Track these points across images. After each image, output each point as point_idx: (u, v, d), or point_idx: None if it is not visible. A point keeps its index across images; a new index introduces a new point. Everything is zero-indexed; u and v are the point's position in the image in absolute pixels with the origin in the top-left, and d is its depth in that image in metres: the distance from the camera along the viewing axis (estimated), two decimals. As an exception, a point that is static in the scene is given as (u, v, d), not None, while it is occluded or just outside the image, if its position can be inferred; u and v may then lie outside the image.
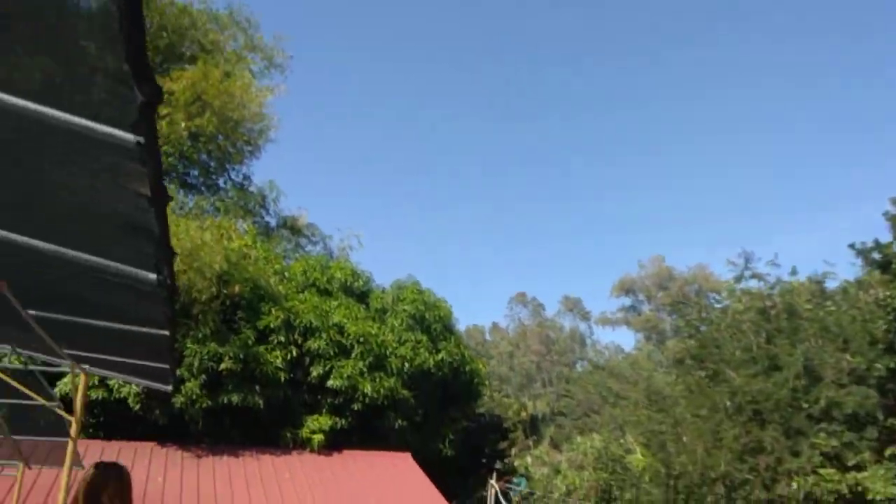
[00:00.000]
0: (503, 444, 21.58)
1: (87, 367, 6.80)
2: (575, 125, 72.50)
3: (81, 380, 6.87)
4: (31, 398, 7.85)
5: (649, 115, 70.52)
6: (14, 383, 7.10)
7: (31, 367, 6.90)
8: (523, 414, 26.86)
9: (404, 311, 18.19)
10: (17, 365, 7.21)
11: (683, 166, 70.36)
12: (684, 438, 17.59)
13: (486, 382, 19.76)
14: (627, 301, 68.54)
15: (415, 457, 16.45)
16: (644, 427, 28.68)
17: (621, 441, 32.54)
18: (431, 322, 18.38)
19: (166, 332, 4.52)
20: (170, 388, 7.08)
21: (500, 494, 12.93)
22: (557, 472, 26.16)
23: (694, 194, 71.99)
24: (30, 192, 2.60)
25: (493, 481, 12.93)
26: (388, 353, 16.93)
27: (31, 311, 4.17)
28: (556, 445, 38.45)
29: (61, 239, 2.79)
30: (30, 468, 10.01)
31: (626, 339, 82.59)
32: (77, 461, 9.95)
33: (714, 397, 16.76)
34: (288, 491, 13.29)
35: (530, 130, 73.48)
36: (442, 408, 18.74)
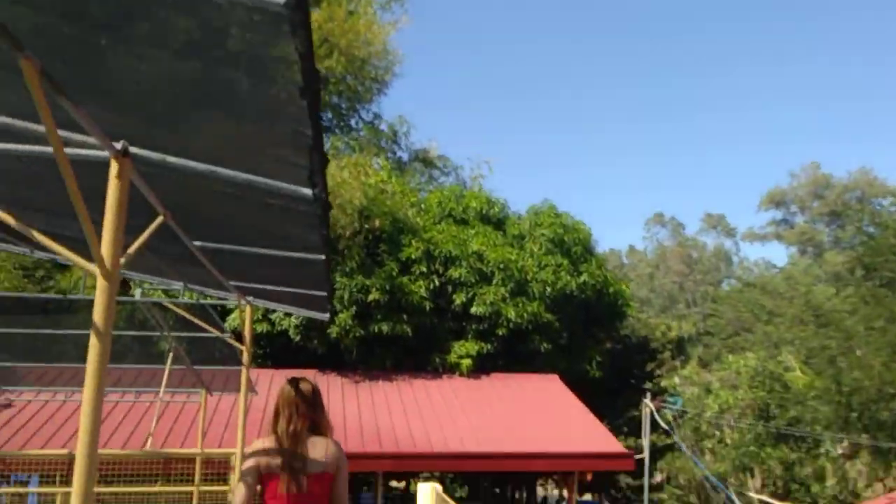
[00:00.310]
0: (651, 366, 21.06)
1: (251, 298, 7.22)
2: (715, 36, 66.76)
3: (247, 311, 7.32)
4: (206, 331, 8.53)
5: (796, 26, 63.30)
6: (190, 317, 7.71)
7: (203, 301, 7.41)
8: (671, 334, 26.01)
9: (542, 235, 17.90)
10: (190, 300, 7.76)
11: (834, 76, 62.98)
12: (857, 353, 16.23)
13: (631, 303, 19.20)
14: (778, 214, 63.77)
15: (562, 379, 16.43)
16: (805, 344, 26.83)
17: (779, 359, 30.81)
18: (571, 245, 17.98)
19: (322, 256, 4.57)
20: (327, 315, 7.35)
21: (655, 413, 12.65)
22: (708, 391, 25.29)
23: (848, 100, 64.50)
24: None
25: (647, 400, 12.65)
26: (528, 278, 16.83)
27: (197, 243, 4.35)
28: (704, 365, 37.16)
29: (216, 157, 2.78)
30: (211, 395, 11.03)
31: (777, 255, 77.22)
32: (251, 387, 10.78)
33: (892, 307, 15.23)
34: (442, 413, 13.78)
35: (663, 45, 68.63)
36: (587, 330, 18.50)
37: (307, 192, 2.86)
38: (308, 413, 3.19)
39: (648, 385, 21.95)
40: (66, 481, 8.59)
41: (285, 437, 3.11)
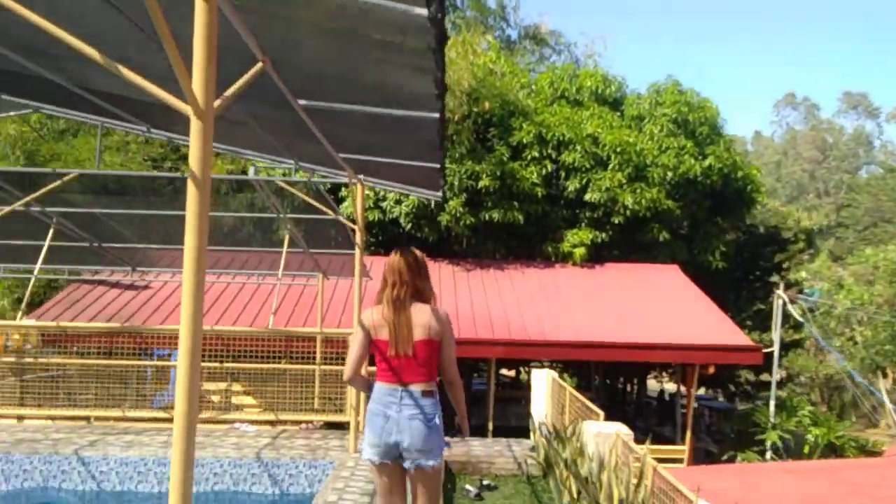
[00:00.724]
0: (780, 257, 19.62)
1: (362, 177, 6.97)
2: None
3: (358, 191, 7.10)
4: (321, 213, 8.48)
5: None
6: (304, 195, 7.61)
7: (315, 179, 7.23)
8: (804, 223, 24.06)
9: (664, 115, 16.53)
10: (303, 178, 7.61)
11: None
12: None
13: (762, 189, 17.66)
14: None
15: (682, 270, 15.60)
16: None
17: (925, 252, 28.03)
18: (696, 125, 16.53)
19: (434, 114, 4.12)
20: (440, 194, 7.01)
21: (788, 305, 11.76)
22: (840, 287, 23.51)
23: None
24: None
25: (780, 291, 11.74)
26: (648, 162, 15.74)
27: (302, 102, 4.01)
28: (835, 259, 34.57)
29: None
30: (327, 279, 11.22)
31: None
32: (364, 271, 10.84)
33: None
34: (555, 302, 13.48)
35: None
36: (711, 219, 17.31)
37: (421, 12, 2.37)
38: (411, 280, 3.26)
39: (776, 278, 20.59)
40: (205, 356, 9.12)
41: (390, 303, 3.22)
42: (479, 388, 20.56)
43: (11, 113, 7.95)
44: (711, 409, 19.72)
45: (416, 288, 3.30)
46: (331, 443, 7.22)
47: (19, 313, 11.07)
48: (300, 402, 8.34)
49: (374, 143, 5.27)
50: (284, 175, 10.92)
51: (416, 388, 3.19)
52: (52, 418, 8.64)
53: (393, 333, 3.20)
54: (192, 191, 2.26)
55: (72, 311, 12.34)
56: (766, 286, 19.75)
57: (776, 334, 11.61)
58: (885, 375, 29.75)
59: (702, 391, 22.47)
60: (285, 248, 9.40)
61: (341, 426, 7.80)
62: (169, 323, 11.81)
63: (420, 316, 3.22)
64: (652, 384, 24.65)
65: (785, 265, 20.03)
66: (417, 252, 3.46)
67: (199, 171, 2.26)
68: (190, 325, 2.23)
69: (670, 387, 25.48)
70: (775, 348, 11.47)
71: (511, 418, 14.60)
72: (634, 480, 4.49)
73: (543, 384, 8.98)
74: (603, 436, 5.14)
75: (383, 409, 3.19)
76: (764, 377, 19.58)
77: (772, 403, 11.59)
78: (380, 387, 3.25)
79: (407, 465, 3.18)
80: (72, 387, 9.04)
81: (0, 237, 9.62)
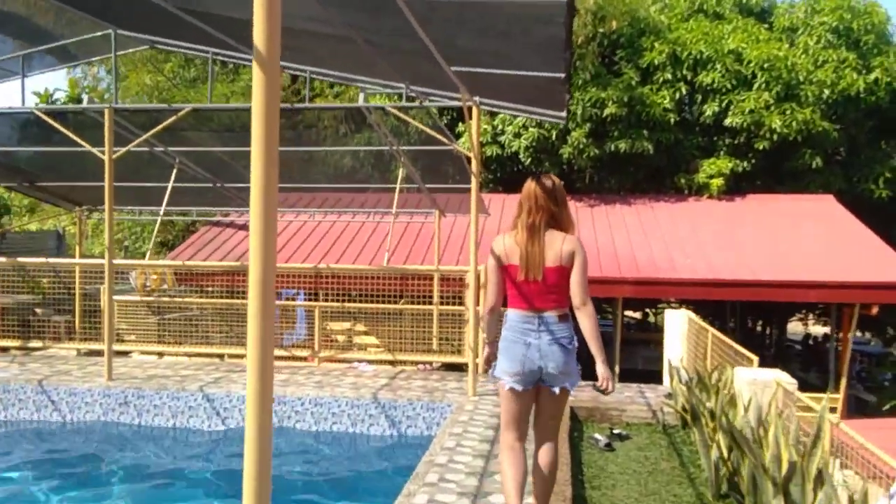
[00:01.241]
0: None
1: (478, 99, 6.36)
2: None
3: (475, 114, 6.49)
4: (439, 144, 8.00)
5: None
6: (417, 123, 7.12)
7: (428, 104, 6.70)
8: None
9: (822, 24, 14.45)
10: (414, 104, 7.10)
11: None
12: None
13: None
14: None
15: (839, 201, 13.84)
16: None
17: None
18: (860, 34, 14.34)
19: (561, 19, 3.42)
20: (564, 115, 6.26)
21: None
22: None
23: None
24: None
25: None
26: (801, 79, 13.88)
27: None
28: None
29: None
30: (444, 216, 10.81)
31: None
32: (482, 208, 10.31)
33: None
34: (688, 238, 12.36)
35: None
36: (874, 142, 15.18)
37: None
38: (547, 206, 3.20)
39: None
40: (327, 297, 9.05)
41: (523, 229, 3.18)
42: (605, 329, 19.81)
43: (130, 50, 7.95)
44: (863, 354, 17.83)
45: (552, 214, 3.23)
46: (449, 385, 6.89)
47: (149, 253, 11.56)
48: (418, 342, 8.08)
49: (489, 49, 4.62)
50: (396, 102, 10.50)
51: (551, 314, 3.16)
52: (189, 355, 8.95)
53: (524, 259, 3.16)
54: (258, 76, 1.77)
55: (203, 252, 12.81)
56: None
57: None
58: None
59: (854, 334, 20.36)
60: (398, 185, 9.01)
61: (459, 367, 7.45)
62: (293, 262, 11.97)
63: (553, 242, 3.18)
64: (793, 327, 22.72)
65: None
66: (555, 179, 3.35)
67: (265, 48, 1.76)
68: (261, 235, 1.78)
69: (815, 329, 23.40)
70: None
71: (639, 361, 13.81)
72: (805, 439, 3.74)
73: (679, 326, 8.16)
74: (760, 384, 4.38)
75: (521, 336, 3.17)
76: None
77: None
78: (514, 314, 3.22)
79: (554, 388, 3.19)
80: (205, 325, 9.31)
81: (130, 179, 9.93)
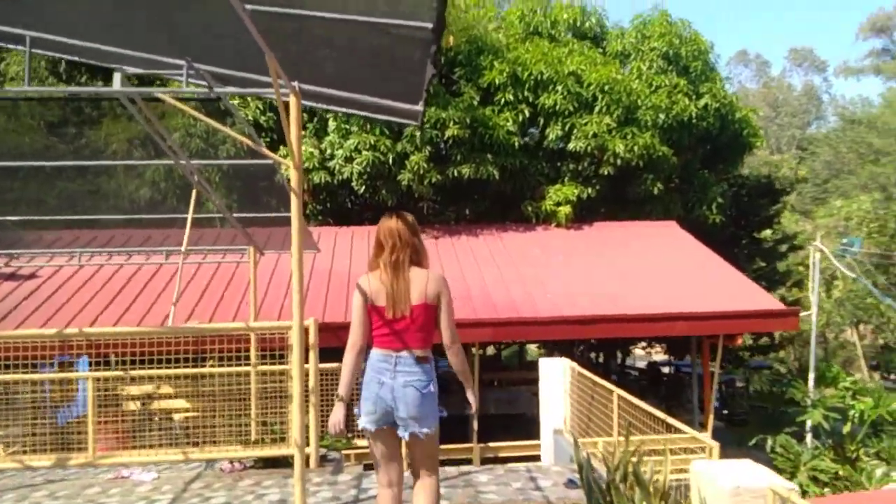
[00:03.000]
0: (773, 209, 17.84)
1: (298, 85, 4.43)
2: None
3: (293, 105, 4.54)
4: (258, 158, 5.93)
5: None
6: (203, 118, 4.98)
7: (223, 90, 4.60)
8: (801, 172, 22.43)
9: (653, 50, 14.32)
10: (202, 95, 5.04)
11: None
12: None
13: (759, 132, 15.71)
14: (878, 43, 57.17)
15: (679, 226, 13.58)
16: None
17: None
18: (688, 60, 14.40)
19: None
20: (420, 109, 4.53)
21: (832, 259, 9.79)
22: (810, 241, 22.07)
23: None
24: None
25: (817, 243, 9.77)
26: (638, 102, 13.53)
27: None
28: (802, 213, 33.45)
29: None
30: (262, 254, 8.65)
31: (873, 91, 69.67)
32: (310, 244, 8.32)
33: None
34: (542, 270, 11.24)
35: None
36: (705, 167, 15.30)
37: None
38: (410, 241, 3.15)
39: (768, 233, 18.89)
40: (120, 363, 6.49)
41: (388, 267, 3.10)
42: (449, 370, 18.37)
43: None
44: (689, 376, 18.04)
45: (415, 250, 3.17)
46: (267, 496, 4.79)
47: None
48: (226, 428, 5.87)
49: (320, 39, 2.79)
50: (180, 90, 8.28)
51: (411, 355, 3.07)
52: None
53: (391, 297, 3.06)
54: None
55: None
56: (756, 243, 18.01)
57: (814, 295, 9.64)
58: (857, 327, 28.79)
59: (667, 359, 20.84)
60: (191, 214, 6.74)
61: (283, 463, 5.35)
62: (61, 318, 9.10)
63: (418, 279, 3.09)
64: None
65: (777, 219, 18.29)
66: (410, 216, 3.30)
67: None
68: None
69: (658, 357, 23.81)
70: (813, 311, 9.52)
71: (490, 405, 12.44)
72: None
73: (558, 379, 6.71)
74: (746, 494, 2.88)
75: (377, 375, 3.08)
76: (764, 341, 17.91)
77: (811, 376, 9.66)
78: (375, 353, 3.12)
79: (401, 432, 3.09)
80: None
81: None
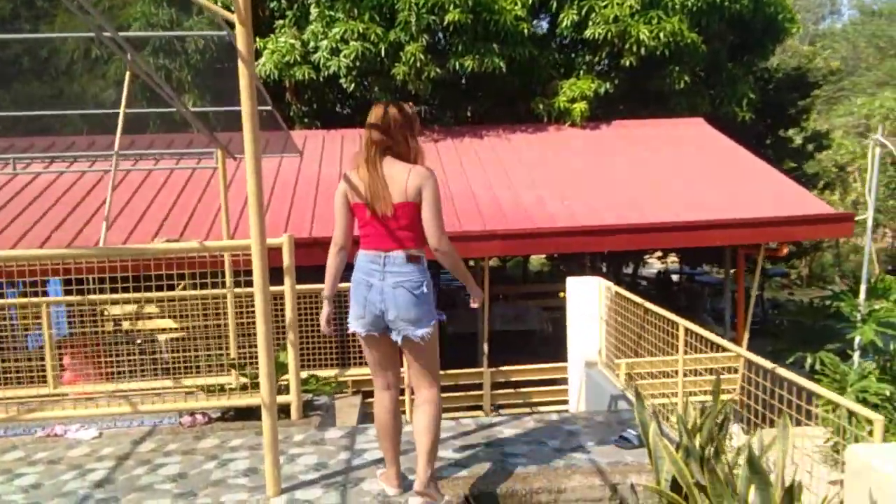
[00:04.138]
0: (802, 104, 16.31)
1: None
2: None
3: None
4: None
5: None
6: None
7: None
8: (833, 63, 20.69)
9: (682, -82, 12.40)
10: None
11: None
12: None
13: (796, 16, 13.98)
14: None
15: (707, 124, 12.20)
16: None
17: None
18: (722, -69, 12.51)
19: None
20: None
21: (876, 158, 8.55)
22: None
23: None
24: None
25: (877, 136, 8.50)
26: (666, -19, 11.81)
27: None
28: (817, 112, 31.73)
29: None
30: (234, 158, 7.34)
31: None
32: (292, 147, 7.02)
33: None
34: (560, 177, 9.97)
35: None
36: (736, 58, 13.70)
37: None
38: (381, 138, 2.93)
39: (796, 131, 17.44)
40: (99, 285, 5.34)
41: (364, 163, 2.96)
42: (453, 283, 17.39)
43: None
44: (704, 285, 17.12)
45: (390, 144, 2.93)
46: (234, 462, 3.74)
47: None
48: (187, 368, 4.80)
49: None
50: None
51: (399, 254, 2.91)
52: None
53: (369, 196, 2.90)
54: None
55: None
56: (783, 141, 16.59)
57: (871, 195, 8.43)
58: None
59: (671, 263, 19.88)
60: (122, 108, 5.35)
61: (258, 414, 4.31)
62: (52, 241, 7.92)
63: (399, 176, 2.88)
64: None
65: (804, 116, 16.79)
66: (400, 105, 2.99)
67: None
68: None
69: (656, 264, 22.85)
70: (869, 213, 8.33)
71: (496, 321, 11.52)
72: None
73: (590, 302, 5.59)
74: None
75: (366, 277, 2.96)
76: (790, 248, 16.84)
77: (863, 287, 8.58)
78: (362, 254, 3.00)
79: (394, 336, 2.96)
80: None
81: None
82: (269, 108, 5.52)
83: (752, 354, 3.65)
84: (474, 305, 3.15)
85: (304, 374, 7.13)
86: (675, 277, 19.21)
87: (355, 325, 3.02)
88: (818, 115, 30.88)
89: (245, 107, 3.08)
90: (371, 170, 2.92)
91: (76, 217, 8.41)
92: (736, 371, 8.64)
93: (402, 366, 3.44)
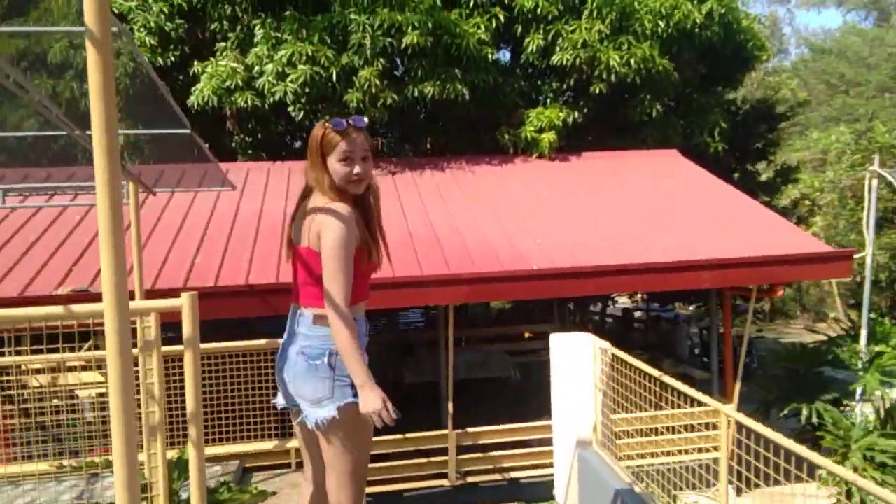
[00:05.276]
0: (770, 136, 15.93)
1: None
2: None
3: None
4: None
5: None
6: None
7: None
8: (801, 94, 20.53)
9: (649, -58, 11.90)
10: None
11: None
12: None
13: (766, 44, 13.58)
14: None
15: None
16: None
17: (871, 133, 25.87)
18: (691, -44, 12.04)
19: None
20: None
21: (874, 189, 7.89)
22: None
23: None
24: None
25: (874, 167, 7.85)
26: (635, 5, 11.21)
27: None
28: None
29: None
30: (153, 193, 6.20)
31: (833, 23, 68.56)
32: (220, 179, 5.96)
33: None
34: (524, 208, 9.09)
35: None
36: (705, 86, 13.18)
37: None
38: (308, 165, 2.50)
39: (762, 164, 17.06)
40: None
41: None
42: (413, 323, 16.29)
43: None
44: (678, 322, 16.39)
45: (311, 174, 2.47)
46: None
47: None
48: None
49: None
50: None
51: (306, 312, 2.42)
52: None
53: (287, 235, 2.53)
54: None
55: None
56: (752, 176, 16.16)
57: (869, 230, 7.76)
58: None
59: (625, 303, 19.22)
60: None
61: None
62: None
63: (308, 214, 2.41)
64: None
65: (771, 149, 16.42)
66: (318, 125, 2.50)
67: None
68: None
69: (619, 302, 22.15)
70: (868, 250, 7.64)
71: (461, 369, 10.50)
72: None
73: (581, 365, 4.60)
74: None
75: (286, 337, 2.50)
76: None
77: (863, 332, 7.84)
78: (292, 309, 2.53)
79: (297, 416, 2.45)
80: None
81: None
82: (187, 130, 4.46)
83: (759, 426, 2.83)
84: (373, 422, 2.21)
85: (231, 449, 5.96)
86: (637, 314, 18.50)
87: (277, 395, 2.60)
88: (776, 148, 31.11)
89: (96, 123, 2.02)
90: (298, 205, 2.55)
91: (-33, 263, 7.11)
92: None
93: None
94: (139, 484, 2.23)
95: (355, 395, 2.26)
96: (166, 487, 2.81)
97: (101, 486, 4.99)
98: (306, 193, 2.52)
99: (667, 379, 3.79)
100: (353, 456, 2.38)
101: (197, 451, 3.14)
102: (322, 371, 2.35)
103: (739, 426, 3.43)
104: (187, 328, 3.25)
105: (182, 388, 3.47)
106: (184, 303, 3.18)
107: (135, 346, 4.36)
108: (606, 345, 4.45)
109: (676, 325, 15.88)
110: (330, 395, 2.34)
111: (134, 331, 4.34)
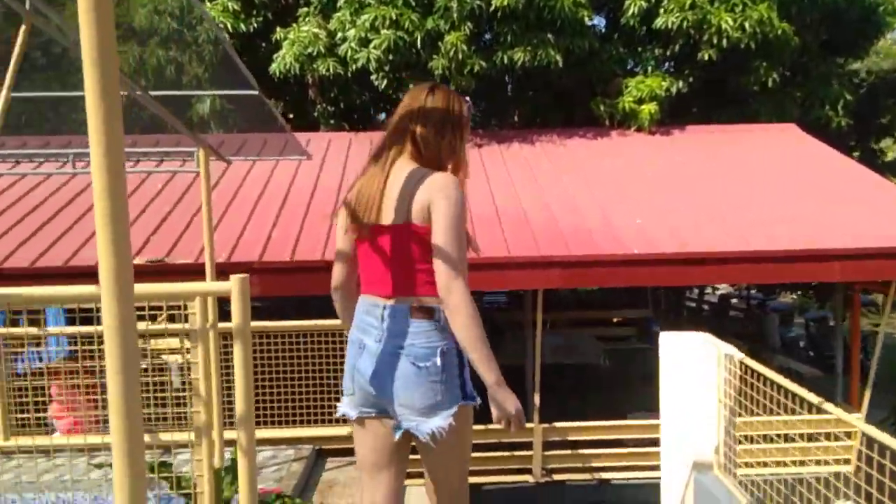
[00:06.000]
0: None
1: None
2: None
3: None
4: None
5: None
6: None
7: None
8: None
9: None
10: None
11: None
12: None
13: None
14: None
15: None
16: None
17: None
18: None
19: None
20: None
21: None
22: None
23: None
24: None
25: None
26: (752, -38, 10.05)
27: None
28: None
29: None
30: (227, 161, 5.85)
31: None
32: (297, 149, 5.54)
33: None
34: (622, 186, 8.30)
35: None
36: (826, 55, 11.83)
37: None
38: (409, 128, 2.05)
39: (887, 142, 15.40)
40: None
41: (370, 162, 2.18)
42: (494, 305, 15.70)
43: None
44: (809, 321, 15.00)
45: (418, 142, 2.01)
46: None
47: None
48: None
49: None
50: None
51: (402, 304, 1.96)
52: None
53: (359, 209, 2.02)
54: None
55: None
56: (873, 154, 14.57)
57: None
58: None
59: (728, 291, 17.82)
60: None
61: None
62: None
63: (403, 184, 1.93)
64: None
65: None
66: (451, 93, 2.08)
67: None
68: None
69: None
70: None
71: (546, 353, 9.79)
72: None
73: (704, 375, 3.90)
74: None
75: (360, 335, 2.05)
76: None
77: None
78: (360, 301, 2.09)
79: (394, 426, 2.00)
80: None
81: None
82: (255, 91, 4.01)
83: None
84: (498, 425, 1.94)
85: (287, 433, 5.63)
86: (733, 301, 17.25)
87: (344, 403, 2.15)
88: None
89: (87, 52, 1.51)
90: (374, 170, 2.05)
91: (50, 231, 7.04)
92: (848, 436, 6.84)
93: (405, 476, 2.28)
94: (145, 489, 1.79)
95: (465, 397, 2.01)
96: (212, 496, 2.38)
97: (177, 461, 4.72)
98: (383, 162, 2.04)
99: (804, 392, 3.08)
100: (466, 466, 2.12)
101: (247, 460, 2.68)
102: (433, 374, 1.98)
103: (870, 441, 2.72)
104: (236, 316, 2.75)
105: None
106: (232, 287, 2.67)
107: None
108: (732, 349, 3.74)
109: (766, 315, 14.64)
110: (443, 401, 2.00)
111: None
